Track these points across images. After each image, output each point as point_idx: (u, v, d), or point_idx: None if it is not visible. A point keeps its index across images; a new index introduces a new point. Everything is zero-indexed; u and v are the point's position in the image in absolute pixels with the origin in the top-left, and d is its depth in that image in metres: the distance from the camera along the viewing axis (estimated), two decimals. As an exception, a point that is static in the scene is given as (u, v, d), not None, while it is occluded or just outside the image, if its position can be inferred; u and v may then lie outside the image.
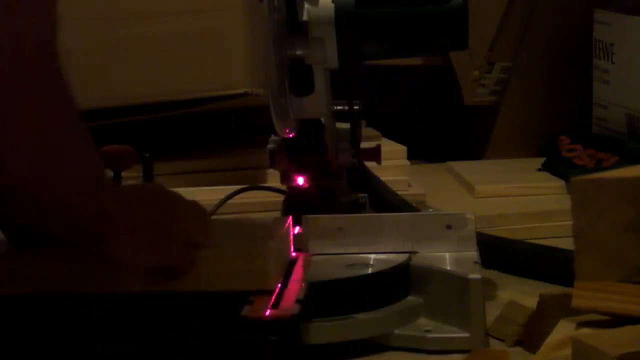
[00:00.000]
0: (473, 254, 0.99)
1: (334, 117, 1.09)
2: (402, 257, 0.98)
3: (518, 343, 0.91)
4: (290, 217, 1.00)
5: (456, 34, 1.01)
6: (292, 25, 0.97)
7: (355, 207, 1.09)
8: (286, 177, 1.09)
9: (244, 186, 1.29)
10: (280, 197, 1.16)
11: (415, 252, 0.99)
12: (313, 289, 0.89)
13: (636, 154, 1.40)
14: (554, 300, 0.86)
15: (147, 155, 1.06)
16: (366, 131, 1.41)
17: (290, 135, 1.01)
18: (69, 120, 0.80)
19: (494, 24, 1.63)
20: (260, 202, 1.31)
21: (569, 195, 0.83)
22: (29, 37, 0.74)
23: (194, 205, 0.91)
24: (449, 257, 0.99)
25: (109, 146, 1.02)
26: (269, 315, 0.83)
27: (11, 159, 0.76)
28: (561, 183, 1.43)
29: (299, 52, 0.98)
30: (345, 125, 1.10)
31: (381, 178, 1.27)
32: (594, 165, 1.46)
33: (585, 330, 0.80)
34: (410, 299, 0.96)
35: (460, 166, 1.58)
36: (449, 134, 1.77)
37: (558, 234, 1.23)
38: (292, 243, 0.99)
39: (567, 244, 0.88)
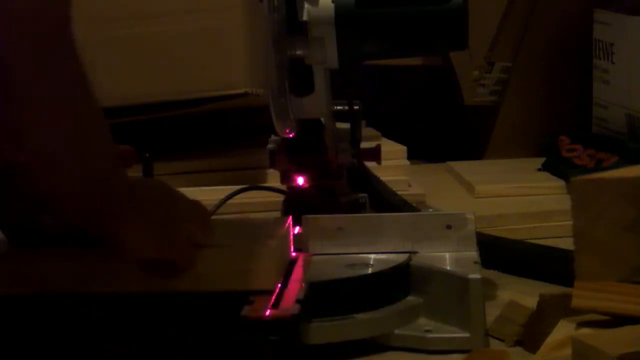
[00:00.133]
0: (473, 254, 0.99)
1: (334, 117, 1.09)
2: (402, 257, 0.98)
3: (518, 343, 0.91)
4: (290, 217, 1.00)
5: (456, 34, 1.01)
6: (292, 25, 0.97)
7: (355, 207, 1.09)
8: (286, 177, 1.09)
9: (244, 186, 1.29)
10: (280, 197, 1.16)
11: (415, 252, 0.99)
12: (313, 289, 0.89)
13: (636, 154, 1.40)
14: (554, 300, 0.86)
15: (147, 155, 1.06)
16: (366, 131, 1.41)
17: (290, 135, 1.01)
18: (85, 99, 0.80)
19: (494, 24, 1.63)
20: (260, 202, 1.31)
21: (569, 195, 0.83)
22: (48, 9, 0.74)
23: (196, 205, 0.92)
24: (449, 257, 0.99)
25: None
26: (269, 315, 0.83)
27: (31, 135, 0.76)
28: (561, 183, 1.43)
29: (299, 52, 0.98)
30: (345, 125, 1.10)
31: (381, 178, 1.27)
32: (594, 165, 1.46)
33: (585, 330, 0.80)
34: (410, 299, 0.96)
35: (460, 166, 1.58)
36: (449, 134, 1.77)
37: (558, 234, 1.23)
38: (292, 243, 0.99)
39: (567, 244, 0.88)
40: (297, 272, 0.94)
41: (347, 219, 1.02)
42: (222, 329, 0.87)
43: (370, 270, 0.96)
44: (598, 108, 1.59)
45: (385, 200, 1.23)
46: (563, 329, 0.81)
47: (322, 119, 1.06)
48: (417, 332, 0.93)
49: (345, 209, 1.07)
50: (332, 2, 0.98)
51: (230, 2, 1.37)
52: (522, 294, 0.99)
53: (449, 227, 1.00)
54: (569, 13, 1.64)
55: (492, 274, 1.10)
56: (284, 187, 1.13)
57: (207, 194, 1.30)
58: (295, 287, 0.89)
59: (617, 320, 0.79)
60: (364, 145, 1.12)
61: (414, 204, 1.25)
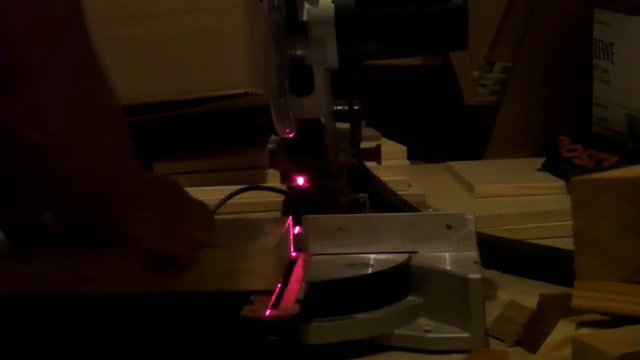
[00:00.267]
0: (473, 254, 0.99)
1: (334, 117, 1.09)
2: (402, 257, 0.98)
3: (518, 343, 0.91)
4: (290, 217, 1.00)
5: (456, 34, 1.01)
6: (292, 25, 0.97)
7: (355, 207, 1.09)
8: (286, 177, 1.09)
9: (244, 186, 1.29)
10: (280, 197, 1.16)
11: (415, 252, 0.99)
12: (313, 289, 0.89)
13: (636, 154, 1.40)
14: (554, 300, 0.86)
15: (147, 155, 1.06)
16: (366, 131, 1.41)
17: (290, 135, 1.01)
18: (102, 83, 0.80)
19: (494, 24, 1.63)
20: (260, 202, 1.31)
21: (569, 195, 0.83)
22: None
23: (202, 206, 0.92)
24: (449, 257, 0.99)
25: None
26: (269, 315, 0.83)
27: (51, 117, 0.76)
28: (561, 183, 1.43)
29: (299, 52, 0.98)
30: (345, 125, 1.10)
31: (381, 178, 1.27)
32: (594, 165, 1.46)
33: (585, 330, 0.80)
34: (410, 299, 0.96)
35: (460, 166, 1.58)
36: (449, 134, 1.77)
37: (558, 234, 1.23)
38: (292, 243, 0.99)
39: (567, 244, 0.88)
40: (297, 272, 0.94)
41: (347, 219, 1.02)
42: (222, 329, 0.87)
43: (370, 270, 0.96)
44: (598, 108, 1.59)
45: (385, 200, 1.23)
46: (563, 329, 0.81)
47: (322, 119, 1.06)
48: (417, 332, 0.93)
49: (345, 209, 1.07)
50: (332, 2, 0.98)
51: (230, 2, 1.37)
52: (522, 294, 0.99)
53: (449, 227, 1.00)
54: (569, 13, 1.64)
55: (492, 274, 1.10)
56: (284, 187, 1.13)
57: (207, 194, 1.30)
58: (295, 287, 0.89)
59: (617, 320, 0.79)
60: (364, 145, 1.12)
61: (414, 204, 1.25)
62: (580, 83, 1.65)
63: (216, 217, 1.22)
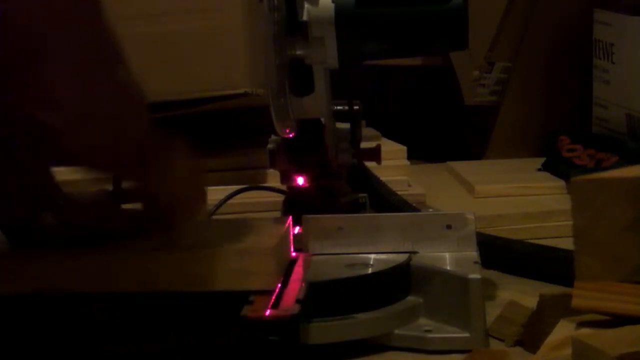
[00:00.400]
0: (473, 254, 0.99)
1: (334, 117, 1.09)
2: (402, 257, 0.98)
3: (518, 343, 0.91)
4: (290, 217, 1.00)
5: (456, 34, 1.01)
6: (292, 25, 0.97)
7: (355, 207, 1.09)
8: (286, 177, 1.09)
9: (244, 186, 1.29)
10: (280, 197, 1.16)
11: (415, 252, 0.99)
12: (313, 289, 0.89)
13: (636, 154, 1.40)
14: (554, 300, 0.86)
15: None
16: (366, 131, 1.41)
17: (290, 135, 1.01)
18: (117, 61, 0.82)
19: (494, 24, 1.63)
20: (260, 202, 1.31)
21: (569, 195, 0.83)
22: None
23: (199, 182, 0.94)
24: (449, 257, 0.99)
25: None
26: (269, 315, 0.83)
27: (66, 98, 0.76)
28: (561, 183, 1.43)
29: (299, 52, 0.98)
30: (345, 125, 1.10)
31: (381, 178, 1.27)
32: (594, 165, 1.46)
33: (585, 330, 0.80)
34: (410, 299, 0.96)
35: (460, 166, 1.58)
36: (449, 134, 1.77)
37: (558, 234, 1.24)
38: (292, 243, 0.99)
39: (567, 244, 0.88)
40: (297, 272, 0.94)
41: (347, 219, 1.02)
42: (222, 329, 0.87)
43: (370, 270, 0.96)
44: (598, 108, 1.59)
45: (385, 200, 1.23)
46: (563, 329, 0.81)
47: (322, 119, 1.06)
48: (417, 332, 0.93)
49: (345, 209, 1.07)
50: (332, 2, 0.98)
51: (230, 2, 1.37)
52: (522, 294, 0.99)
53: (449, 227, 1.00)
54: (569, 13, 1.64)
55: (492, 274, 1.10)
56: (284, 187, 1.13)
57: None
58: (295, 287, 0.89)
59: (617, 320, 0.79)
60: (364, 145, 1.12)
61: (414, 204, 1.25)
62: (580, 83, 1.65)
63: (216, 217, 1.23)
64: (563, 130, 1.56)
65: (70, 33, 0.75)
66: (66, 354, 0.89)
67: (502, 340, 0.92)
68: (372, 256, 0.99)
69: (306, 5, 0.98)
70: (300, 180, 1.08)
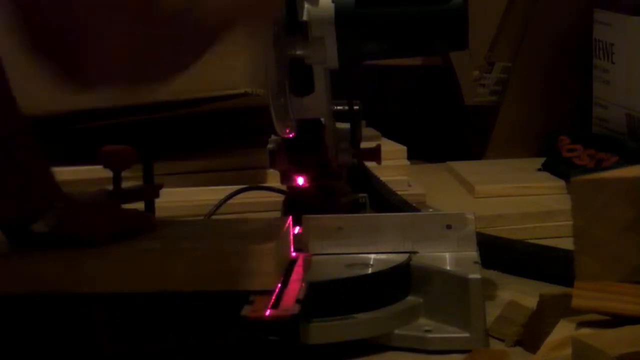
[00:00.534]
0: (473, 254, 0.99)
1: (334, 117, 1.09)
2: (402, 257, 0.98)
3: (518, 343, 0.91)
4: (290, 217, 1.00)
5: (456, 34, 1.01)
6: (292, 25, 0.97)
7: (355, 207, 1.09)
8: (286, 177, 1.09)
9: (244, 186, 1.29)
10: (280, 197, 1.16)
11: (415, 252, 0.99)
12: (313, 289, 0.89)
13: (636, 154, 1.40)
14: (554, 300, 0.86)
15: (147, 155, 1.06)
16: (366, 131, 1.41)
17: (290, 135, 1.01)
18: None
19: (494, 24, 1.63)
20: (260, 202, 1.31)
21: (569, 195, 0.83)
22: None
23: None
24: (449, 257, 0.99)
25: (109, 146, 1.02)
26: (269, 315, 0.83)
27: None
28: (561, 183, 1.43)
29: (299, 52, 0.98)
30: (345, 125, 1.10)
31: (381, 178, 1.27)
32: (594, 165, 1.46)
33: (585, 330, 0.80)
34: (410, 299, 0.96)
35: (460, 166, 1.58)
36: (449, 134, 1.77)
37: (558, 234, 1.24)
38: (292, 243, 0.99)
39: (567, 244, 0.88)
40: (297, 272, 0.94)
41: (347, 219, 1.02)
42: (222, 329, 0.87)
43: (370, 270, 0.96)
44: (598, 108, 1.59)
45: (385, 200, 1.23)
46: (563, 329, 0.81)
47: (322, 119, 1.06)
48: (417, 332, 0.93)
49: (345, 209, 1.07)
50: (332, 2, 0.98)
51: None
52: (522, 294, 0.99)
53: (449, 227, 1.00)
54: (569, 13, 1.64)
55: (492, 274, 1.10)
56: (284, 187, 1.13)
57: (207, 194, 1.30)
58: (295, 287, 0.89)
59: (617, 320, 0.79)
60: (364, 145, 1.12)
61: (414, 204, 1.25)
62: (580, 83, 1.65)
63: (216, 217, 1.23)
64: (563, 130, 1.56)
65: None
66: (66, 354, 0.89)
67: (502, 340, 0.92)
68: (372, 256, 0.99)
69: (306, 5, 0.98)
70: (300, 180, 1.08)
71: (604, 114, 1.58)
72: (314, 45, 0.98)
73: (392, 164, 1.38)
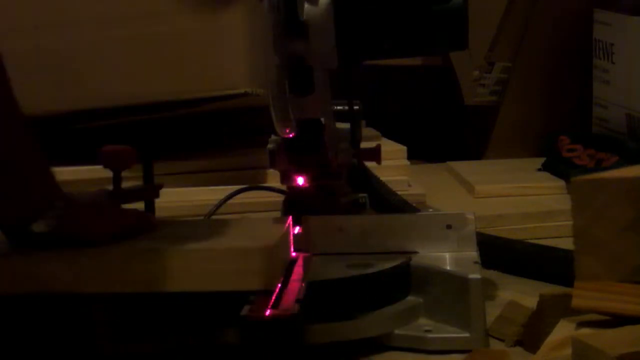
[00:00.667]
0: (473, 254, 0.99)
1: (334, 117, 1.09)
2: (402, 257, 0.98)
3: (518, 343, 0.91)
4: (290, 217, 1.00)
5: (456, 34, 1.01)
6: (292, 25, 0.97)
7: (355, 207, 1.09)
8: (286, 177, 1.09)
9: (244, 186, 1.29)
10: (280, 197, 1.16)
11: (415, 252, 0.99)
12: (313, 289, 0.89)
13: (636, 154, 1.40)
14: (554, 300, 0.86)
15: (147, 155, 1.06)
16: (366, 131, 1.41)
17: (290, 135, 1.01)
18: None
19: (494, 24, 1.63)
20: (260, 202, 1.31)
21: (569, 195, 0.83)
22: None
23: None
24: (449, 257, 0.99)
25: (109, 146, 1.02)
26: (269, 315, 0.83)
27: None
28: (561, 183, 1.43)
29: (299, 52, 0.98)
30: (345, 125, 1.10)
31: (381, 178, 1.27)
32: (594, 165, 1.46)
33: (585, 330, 0.80)
34: (410, 299, 0.96)
35: (460, 166, 1.58)
36: (449, 134, 1.77)
37: (558, 234, 1.24)
38: (292, 243, 0.99)
39: (567, 244, 0.88)
40: (297, 272, 0.94)
41: (347, 219, 1.02)
42: (222, 329, 0.87)
43: (370, 270, 0.96)
44: (598, 108, 1.59)
45: (385, 200, 1.23)
46: (563, 329, 0.81)
47: (322, 119, 1.05)
48: (417, 332, 0.93)
49: (345, 209, 1.07)
50: (332, 2, 0.98)
51: (230, 2, 1.37)
52: (522, 294, 0.99)
53: (449, 227, 1.00)
54: (569, 13, 1.64)
55: (492, 274, 1.10)
56: (284, 187, 1.13)
57: (207, 194, 1.30)
58: (295, 287, 0.89)
59: (617, 320, 0.79)
60: (364, 145, 1.12)
61: (414, 204, 1.25)
62: (580, 83, 1.65)
63: (216, 217, 1.23)
64: (563, 130, 1.56)
65: None
66: (66, 354, 0.89)
67: (502, 340, 0.92)
68: (372, 256, 0.99)
69: (306, 5, 0.98)
70: (300, 180, 1.08)
71: (604, 114, 1.58)
72: (314, 45, 0.98)
73: (392, 164, 1.38)
